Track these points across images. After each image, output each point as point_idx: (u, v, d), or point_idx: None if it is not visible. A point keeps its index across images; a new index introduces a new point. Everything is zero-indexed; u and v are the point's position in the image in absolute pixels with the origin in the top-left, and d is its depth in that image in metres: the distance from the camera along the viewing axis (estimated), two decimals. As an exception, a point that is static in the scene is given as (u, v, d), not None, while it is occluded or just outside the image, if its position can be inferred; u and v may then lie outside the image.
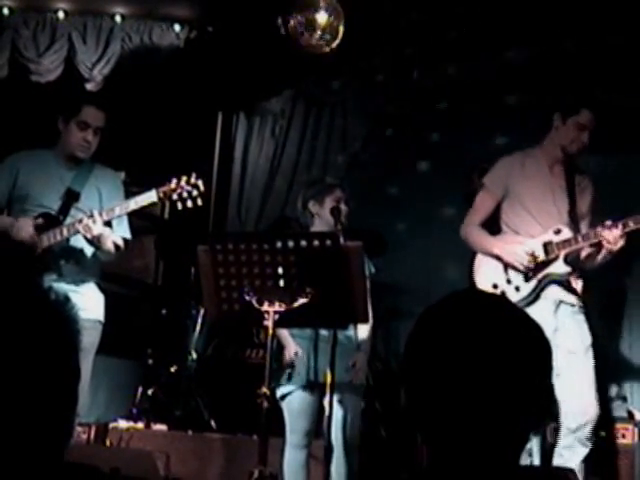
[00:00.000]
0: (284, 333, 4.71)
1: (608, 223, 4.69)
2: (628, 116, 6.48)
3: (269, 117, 7.76)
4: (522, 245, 4.91)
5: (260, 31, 6.83)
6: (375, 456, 5.93)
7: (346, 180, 7.25)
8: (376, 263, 5.03)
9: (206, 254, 4.16)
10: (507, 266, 4.95)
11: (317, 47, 6.35)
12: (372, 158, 7.61)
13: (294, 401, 4.76)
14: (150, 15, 7.26)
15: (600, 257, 4.86)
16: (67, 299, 4.59)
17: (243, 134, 7.81)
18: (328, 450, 4.34)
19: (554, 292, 4.93)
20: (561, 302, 4.91)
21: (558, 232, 4.89)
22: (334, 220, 4.76)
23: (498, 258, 4.97)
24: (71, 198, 4.82)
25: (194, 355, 6.52)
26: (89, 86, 7.11)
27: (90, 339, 4.62)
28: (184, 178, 4.57)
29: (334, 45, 6.35)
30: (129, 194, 4.84)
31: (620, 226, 4.68)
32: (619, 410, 6.06)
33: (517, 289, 4.90)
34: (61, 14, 7.15)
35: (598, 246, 4.80)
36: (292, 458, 4.78)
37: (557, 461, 4.78)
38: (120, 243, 4.81)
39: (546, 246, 4.89)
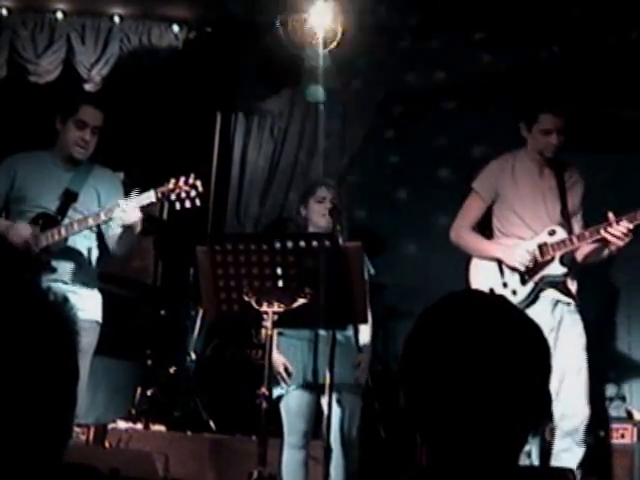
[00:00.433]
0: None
1: (612, 218, 4.64)
2: (623, 116, 6.51)
3: (268, 117, 7.75)
4: (521, 245, 4.91)
5: (259, 31, 6.82)
6: (374, 456, 5.93)
7: (345, 181, 7.28)
8: (375, 264, 5.03)
9: (205, 255, 4.17)
10: (502, 269, 4.96)
11: (315, 47, 6.34)
12: (371, 159, 7.61)
13: (292, 402, 4.76)
14: (149, 16, 7.25)
15: (606, 253, 4.86)
16: (65, 300, 4.57)
17: (242, 134, 7.80)
18: (327, 450, 4.34)
19: (549, 292, 4.94)
20: (558, 301, 4.93)
21: (552, 233, 4.89)
22: (332, 220, 4.75)
23: (497, 261, 4.98)
24: (69, 199, 4.82)
25: (193, 356, 6.52)
26: (87, 87, 7.11)
27: (88, 340, 4.62)
28: (182, 178, 4.57)
29: (332, 46, 6.35)
30: (128, 195, 4.84)
31: (627, 220, 4.62)
32: (618, 410, 6.07)
33: (514, 293, 4.91)
34: (59, 15, 7.15)
35: (604, 242, 4.77)
36: (290, 459, 4.78)
37: (555, 464, 4.79)
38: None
39: (541, 247, 4.89)
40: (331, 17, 6.26)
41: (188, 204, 4.58)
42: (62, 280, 4.73)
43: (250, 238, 4.45)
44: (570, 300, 4.95)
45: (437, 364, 1.56)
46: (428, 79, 7.28)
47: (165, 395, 6.52)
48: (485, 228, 5.17)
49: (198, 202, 4.60)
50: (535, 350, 1.59)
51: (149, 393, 6.51)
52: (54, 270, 4.71)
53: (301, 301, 4.03)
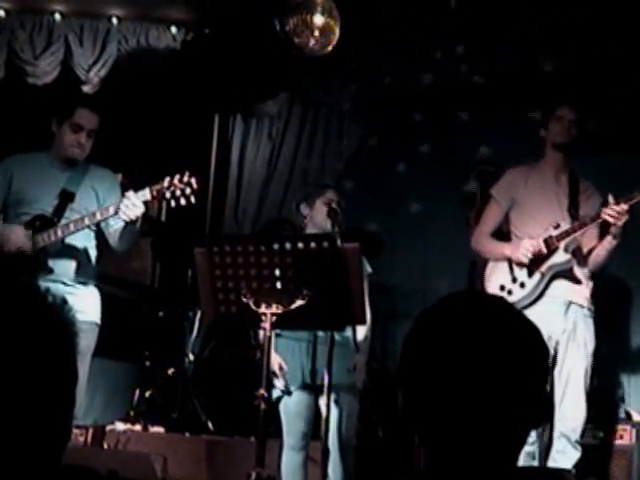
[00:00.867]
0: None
1: (612, 200, 4.81)
2: (625, 116, 6.52)
3: (266, 119, 7.76)
4: (526, 240, 5.02)
5: (257, 33, 6.82)
6: (372, 457, 5.93)
7: (343, 182, 7.28)
8: (373, 264, 5.03)
9: (203, 256, 4.16)
10: (512, 267, 5.06)
11: (314, 49, 6.35)
12: (369, 160, 7.61)
13: (290, 403, 4.76)
14: (147, 17, 7.25)
15: (607, 242, 4.95)
16: (64, 301, 4.57)
17: (240, 136, 7.80)
18: (325, 452, 4.34)
19: (562, 291, 5.03)
20: (571, 303, 5.02)
21: (557, 227, 5.01)
22: (331, 222, 4.75)
23: (508, 260, 5.08)
24: (66, 199, 4.81)
25: (191, 357, 6.52)
26: (86, 88, 7.11)
27: (87, 341, 4.61)
28: (177, 176, 4.56)
29: (331, 47, 6.35)
30: (124, 195, 4.83)
31: (624, 202, 4.79)
32: (617, 411, 6.07)
33: (522, 285, 5.01)
34: (57, 16, 7.15)
35: (604, 225, 4.93)
36: (289, 460, 4.78)
37: (551, 465, 4.84)
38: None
39: (546, 241, 4.99)
40: (329, 18, 6.26)
41: (183, 202, 4.57)
42: (61, 280, 4.72)
43: (248, 239, 4.44)
44: (583, 301, 5.05)
45: (435, 365, 1.56)
46: (427, 82, 7.29)
47: (163, 396, 6.52)
48: (505, 236, 5.32)
49: (193, 200, 4.59)
50: (534, 351, 1.59)
51: (147, 394, 6.51)
52: (51, 271, 4.71)
53: (299, 302, 4.03)
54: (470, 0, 6.76)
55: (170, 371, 6.64)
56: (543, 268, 4.99)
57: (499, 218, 5.25)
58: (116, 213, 4.58)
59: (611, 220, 4.82)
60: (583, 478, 4.94)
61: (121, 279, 6.91)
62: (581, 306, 5.03)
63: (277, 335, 4.63)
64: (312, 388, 4.72)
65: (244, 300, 4.06)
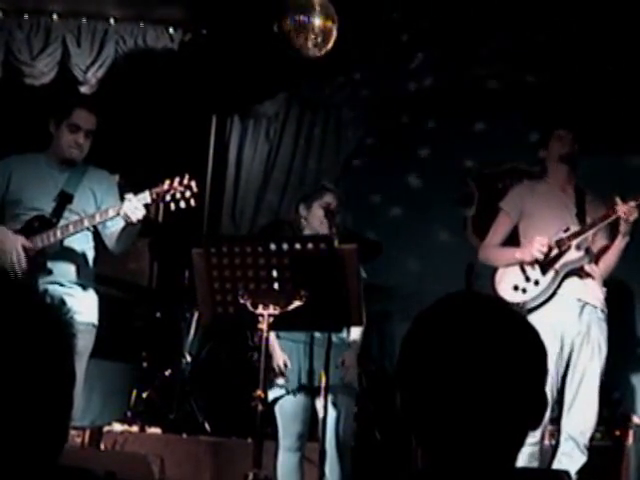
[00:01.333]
0: (272, 342, 4.69)
1: (619, 200, 4.94)
2: (619, 117, 6.55)
3: (263, 120, 7.76)
4: (537, 238, 5.08)
5: (254, 34, 6.82)
6: (370, 458, 5.93)
7: (340, 183, 7.28)
8: (371, 266, 5.03)
9: (200, 257, 4.16)
10: (524, 268, 5.12)
11: (311, 50, 6.35)
12: (366, 161, 7.62)
13: (287, 405, 4.76)
14: (144, 18, 7.25)
15: (618, 241, 5.06)
16: (62, 302, 4.58)
17: (237, 137, 7.80)
18: (322, 453, 4.34)
19: (575, 289, 5.08)
20: (586, 304, 5.07)
21: (567, 230, 5.10)
22: (328, 223, 4.75)
23: (519, 263, 5.14)
24: (64, 200, 4.81)
25: (188, 358, 6.51)
26: (83, 89, 7.10)
27: (84, 342, 4.61)
28: (177, 179, 4.56)
29: (328, 48, 6.35)
30: (123, 197, 4.83)
31: (632, 200, 4.93)
32: (616, 412, 6.08)
33: (536, 283, 5.07)
34: (55, 17, 7.14)
35: (614, 225, 5.04)
36: (285, 461, 4.78)
37: (556, 467, 4.86)
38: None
39: (558, 242, 5.08)
40: (327, 19, 6.26)
41: (183, 204, 4.57)
42: (59, 282, 4.72)
43: (246, 240, 4.44)
44: (597, 302, 5.10)
45: (433, 366, 1.56)
46: (424, 85, 7.30)
47: (161, 397, 6.52)
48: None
49: (193, 202, 4.59)
50: (531, 352, 1.59)
51: (144, 395, 6.50)
52: (50, 272, 4.70)
53: (296, 304, 4.03)
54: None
55: (167, 372, 6.63)
56: (557, 265, 5.06)
57: (508, 229, 5.32)
58: (117, 215, 4.58)
59: (623, 215, 4.92)
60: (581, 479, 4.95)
61: (118, 280, 6.90)
62: (595, 307, 5.09)
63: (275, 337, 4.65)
64: (309, 389, 4.72)
65: (241, 301, 4.06)
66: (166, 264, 7.50)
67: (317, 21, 6.23)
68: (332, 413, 4.66)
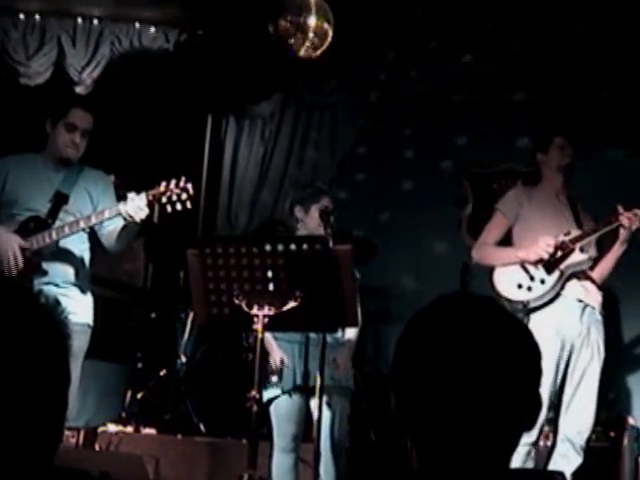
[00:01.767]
0: (269, 339, 4.70)
1: (621, 209, 5.00)
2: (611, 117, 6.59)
3: (259, 120, 7.76)
4: (542, 238, 5.09)
5: (250, 34, 6.82)
6: (364, 459, 5.94)
7: (335, 183, 7.28)
8: (365, 267, 5.03)
9: (195, 258, 4.16)
10: (526, 268, 5.13)
11: (307, 50, 6.35)
12: (362, 161, 7.62)
13: (281, 405, 4.76)
14: (140, 18, 7.24)
15: (616, 248, 5.11)
16: (57, 303, 4.56)
17: (233, 137, 7.80)
18: (317, 453, 4.34)
19: (576, 291, 5.11)
20: (586, 305, 5.11)
21: (568, 234, 5.12)
22: (323, 224, 4.75)
23: (521, 262, 5.14)
24: (60, 201, 4.80)
25: (183, 359, 6.51)
26: (78, 89, 7.10)
27: (79, 343, 4.60)
28: (173, 181, 4.56)
29: (324, 48, 6.35)
30: (118, 197, 4.83)
31: (637, 209, 4.99)
32: (611, 414, 6.09)
33: (542, 281, 5.08)
34: (50, 17, 7.13)
35: (613, 235, 5.08)
36: (280, 462, 4.78)
37: (552, 468, 4.87)
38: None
39: (561, 244, 5.10)
40: (322, 20, 6.27)
41: (179, 207, 4.56)
42: (54, 282, 4.71)
43: (241, 241, 4.43)
44: (595, 304, 5.14)
45: (428, 367, 1.56)
46: (421, 85, 7.30)
47: (155, 398, 6.52)
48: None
49: (189, 205, 4.58)
50: (526, 352, 1.59)
51: (139, 396, 6.51)
52: (45, 273, 4.70)
53: (291, 304, 4.03)
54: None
55: (162, 372, 6.63)
56: (562, 266, 5.08)
57: (504, 230, 5.32)
58: (114, 216, 4.57)
59: (626, 223, 4.97)
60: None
61: (113, 281, 6.89)
62: (594, 308, 5.12)
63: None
64: (304, 390, 4.72)
65: (236, 302, 4.06)
66: (161, 265, 7.50)
67: (313, 22, 6.24)
68: (327, 414, 4.66)
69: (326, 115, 7.66)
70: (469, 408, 1.53)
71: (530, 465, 4.79)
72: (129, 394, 6.51)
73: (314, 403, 4.51)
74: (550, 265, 5.07)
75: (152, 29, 7.27)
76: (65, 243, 4.75)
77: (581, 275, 5.14)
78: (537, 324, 4.76)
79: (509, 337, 1.58)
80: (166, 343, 6.75)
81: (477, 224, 6.01)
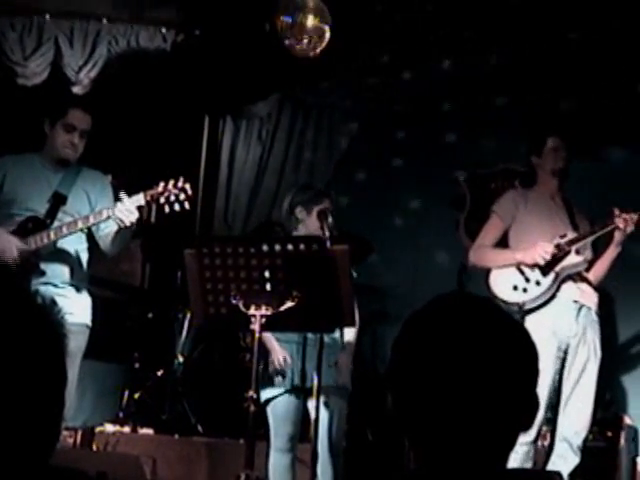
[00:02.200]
0: (270, 338, 4.70)
1: (616, 212, 5.03)
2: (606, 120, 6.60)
3: (256, 120, 7.76)
4: (540, 243, 5.11)
5: (247, 35, 6.82)
6: (362, 460, 5.94)
7: (333, 183, 7.28)
8: (363, 267, 5.03)
9: (193, 257, 4.16)
10: (522, 270, 5.15)
11: (304, 50, 6.35)
12: (360, 161, 7.62)
13: (279, 405, 4.76)
14: (137, 18, 7.24)
15: (611, 250, 5.15)
16: (54, 303, 4.57)
17: (230, 137, 7.80)
18: (314, 454, 4.34)
19: (572, 293, 5.15)
20: (582, 306, 5.14)
21: (564, 236, 5.15)
22: (320, 224, 4.75)
23: (517, 264, 5.16)
24: (58, 201, 4.80)
25: (180, 359, 6.51)
26: (76, 89, 7.09)
27: (77, 343, 4.60)
28: (172, 182, 4.56)
29: (321, 48, 6.35)
30: (116, 197, 4.83)
31: (632, 212, 5.03)
32: (607, 413, 6.09)
33: (538, 283, 5.11)
34: (47, 17, 7.13)
35: (611, 233, 5.11)
36: (277, 462, 4.78)
37: (549, 468, 4.89)
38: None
39: (557, 247, 5.12)
40: (320, 20, 6.27)
41: (177, 207, 4.56)
42: (52, 283, 4.71)
43: (238, 241, 4.44)
44: (591, 305, 5.17)
45: (425, 367, 1.56)
46: (418, 84, 7.30)
47: (153, 398, 6.52)
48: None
49: (187, 206, 4.58)
50: (523, 353, 1.59)
51: (137, 396, 6.50)
52: (43, 273, 4.69)
53: (289, 304, 4.03)
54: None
55: (160, 373, 6.63)
56: (557, 268, 5.10)
57: (500, 232, 5.34)
58: (109, 218, 4.57)
59: (621, 226, 5.00)
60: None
61: (111, 281, 6.89)
62: (589, 309, 5.15)
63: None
64: (301, 390, 4.72)
65: (234, 302, 4.06)
66: (158, 265, 7.50)
67: (310, 21, 6.24)
68: (324, 414, 4.66)
69: (323, 116, 7.67)
70: (466, 408, 1.53)
71: (529, 465, 4.80)
72: (126, 394, 6.50)
73: (312, 403, 4.51)
74: (546, 267, 5.09)
75: (149, 29, 7.27)
76: (63, 243, 4.75)
77: (577, 277, 5.16)
78: (533, 325, 4.77)
79: (506, 337, 1.58)
80: (163, 343, 6.75)
81: (474, 225, 6.02)
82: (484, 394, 1.53)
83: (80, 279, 4.85)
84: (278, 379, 4.70)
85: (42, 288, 4.65)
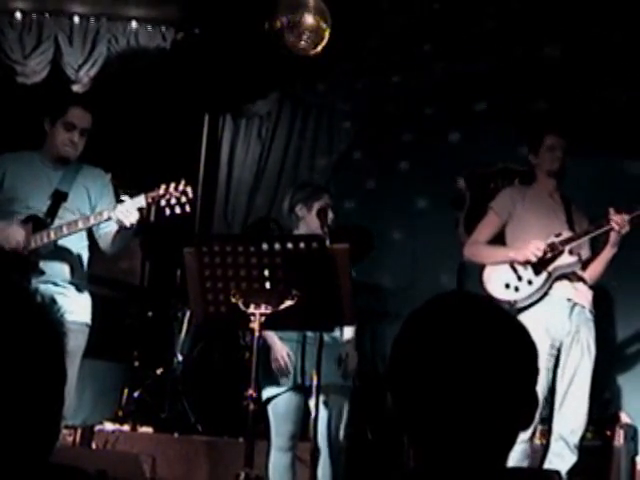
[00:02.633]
0: (271, 335, 4.70)
1: (613, 211, 5.03)
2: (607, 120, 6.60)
3: (255, 119, 7.76)
4: (532, 241, 5.11)
5: (247, 33, 6.82)
6: (362, 458, 5.94)
7: (332, 182, 7.28)
8: (362, 265, 5.03)
9: (192, 256, 4.15)
10: (515, 268, 5.15)
11: (304, 49, 6.35)
12: (359, 160, 7.62)
13: (280, 404, 4.75)
14: (137, 17, 7.24)
15: (607, 251, 5.14)
16: (53, 301, 4.57)
17: (230, 136, 7.81)
18: (314, 452, 4.33)
19: (566, 291, 5.14)
20: (575, 304, 5.13)
21: (558, 235, 5.15)
22: (320, 222, 4.75)
23: (510, 262, 5.16)
24: (59, 199, 4.79)
25: (180, 357, 6.51)
26: (75, 88, 7.09)
27: (77, 342, 4.60)
28: (173, 184, 4.55)
29: (321, 47, 6.36)
30: (116, 196, 4.83)
31: (625, 213, 5.02)
32: (605, 412, 6.09)
33: (530, 282, 5.11)
34: (47, 15, 7.13)
35: (606, 234, 5.11)
36: (277, 461, 4.77)
37: (546, 467, 4.89)
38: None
39: (551, 246, 5.12)
40: (319, 19, 6.27)
41: (178, 210, 4.55)
42: (52, 281, 4.71)
43: (237, 239, 4.43)
44: (585, 303, 5.17)
45: (425, 366, 1.56)
46: (416, 84, 7.30)
47: (152, 397, 6.52)
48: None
49: (188, 208, 4.57)
50: (523, 351, 1.60)
51: (136, 394, 6.51)
52: (43, 272, 4.69)
53: (288, 303, 4.03)
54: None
55: (159, 371, 6.63)
56: (550, 268, 5.10)
57: (496, 229, 5.34)
58: (109, 218, 4.57)
59: (616, 227, 5.01)
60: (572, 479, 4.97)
61: (110, 279, 6.89)
62: (583, 307, 5.15)
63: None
64: (301, 389, 4.72)
65: (233, 300, 4.06)
66: (158, 263, 7.50)
67: (309, 20, 6.24)
68: (324, 413, 4.66)
69: (323, 114, 7.67)
70: (466, 407, 1.53)
71: (525, 464, 4.80)
72: (126, 392, 6.51)
73: (312, 402, 4.51)
74: (538, 266, 5.10)
75: (149, 28, 7.28)
76: (63, 241, 4.74)
77: (572, 275, 5.16)
78: (526, 323, 4.76)
79: (506, 335, 1.59)
80: (163, 341, 6.75)
81: (474, 223, 6.01)
82: (484, 393, 1.53)
83: (80, 278, 4.85)
84: (283, 379, 4.70)
85: (42, 287, 4.65)
